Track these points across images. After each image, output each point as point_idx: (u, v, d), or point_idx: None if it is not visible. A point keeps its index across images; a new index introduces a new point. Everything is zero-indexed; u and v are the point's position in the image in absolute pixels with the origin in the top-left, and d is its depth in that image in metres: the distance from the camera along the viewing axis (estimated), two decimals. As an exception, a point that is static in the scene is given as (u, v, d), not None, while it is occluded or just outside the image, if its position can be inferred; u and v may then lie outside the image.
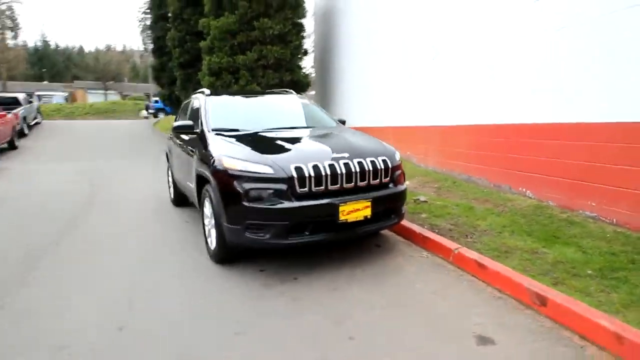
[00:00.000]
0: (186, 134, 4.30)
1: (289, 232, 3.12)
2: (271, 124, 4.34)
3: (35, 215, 5.50)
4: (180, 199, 5.77)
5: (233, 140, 3.71)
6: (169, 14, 13.82)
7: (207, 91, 4.77)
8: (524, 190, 5.01)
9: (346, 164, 3.26)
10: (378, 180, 3.45)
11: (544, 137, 4.70)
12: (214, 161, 3.42)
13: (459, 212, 4.70)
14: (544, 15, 4.68)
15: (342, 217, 3.17)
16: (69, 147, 14.03)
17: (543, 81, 4.74)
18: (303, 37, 12.46)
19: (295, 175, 3.08)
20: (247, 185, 3.11)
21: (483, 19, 5.71)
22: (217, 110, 4.36)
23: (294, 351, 2.35)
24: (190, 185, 4.32)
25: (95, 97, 48.89)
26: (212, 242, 3.66)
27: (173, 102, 15.98)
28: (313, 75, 14.77)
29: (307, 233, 3.18)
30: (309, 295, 3.03)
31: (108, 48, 67.72)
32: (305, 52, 12.65)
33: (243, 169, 3.15)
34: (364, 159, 3.37)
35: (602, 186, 4.04)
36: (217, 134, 3.88)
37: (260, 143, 3.59)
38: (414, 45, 7.33)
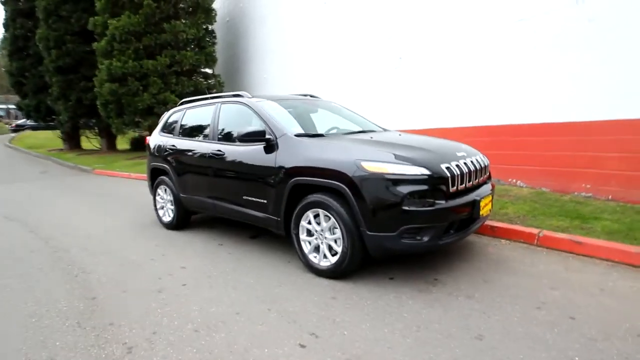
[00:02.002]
0: (252, 142, 3.73)
1: (445, 232, 3.08)
2: (339, 127, 4.18)
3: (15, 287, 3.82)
4: (184, 221, 4.92)
5: (344, 143, 3.44)
6: (36, 10, 11.16)
7: (247, 94, 4.24)
8: (515, 181, 5.86)
9: (472, 162, 3.39)
10: (487, 176, 3.67)
11: (533, 135, 5.61)
12: (344, 167, 3.11)
13: (476, 205, 5.22)
14: (524, 35, 5.61)
15: (481, 212, 3.28)
16: None
17: (528, 88, 5.67)
18: (215, 44, 11.80)
19: (448, 175, 3.06)
20: (404, 189, 2.94)
21: (442, 25, 6.48)
22: (277, 113, 3.93)
23: (553, 342, 2.37)
24: (258, 201, 3.78)
25: None
26: (325, 257, 3.32)
27: (42, 114, 12.77)
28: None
29: (452, 232, 3.19)
30: (474, 291, 3.03)
31: None
32: (215, 60, 11.98)
33: (396, 172, 2.97)
34: (476, 157, 3.54)
35: (593, 171, 5.06)
36: (311, 138, 3.53)
37: (376, 145, 3.42)
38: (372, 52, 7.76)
